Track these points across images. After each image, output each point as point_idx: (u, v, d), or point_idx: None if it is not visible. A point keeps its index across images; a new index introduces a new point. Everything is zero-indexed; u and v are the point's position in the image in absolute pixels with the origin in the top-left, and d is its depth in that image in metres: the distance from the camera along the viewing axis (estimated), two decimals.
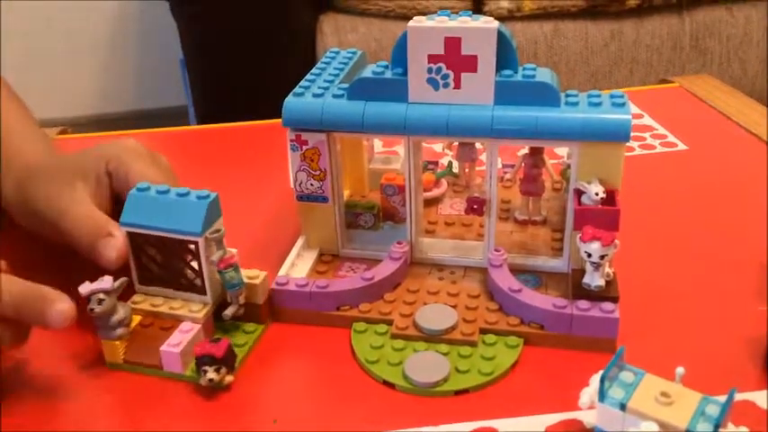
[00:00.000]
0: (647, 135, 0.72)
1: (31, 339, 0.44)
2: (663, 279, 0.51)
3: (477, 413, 0.41)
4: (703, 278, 0.51)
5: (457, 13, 0.46)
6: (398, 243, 0.51)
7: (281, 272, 0.49)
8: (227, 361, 0.42)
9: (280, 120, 0.79)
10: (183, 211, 0.45)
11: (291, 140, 0.49)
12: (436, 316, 0.46)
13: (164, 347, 0.44)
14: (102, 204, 0.49)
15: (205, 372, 0.42)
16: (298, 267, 0.51)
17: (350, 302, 0.48)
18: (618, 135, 0.44)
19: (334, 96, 0.48)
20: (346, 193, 0.57)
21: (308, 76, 0.51)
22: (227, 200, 0.63)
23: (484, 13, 1.29)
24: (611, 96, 0.46)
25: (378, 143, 0.69)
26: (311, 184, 0.50)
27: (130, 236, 0.46)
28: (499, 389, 0.43)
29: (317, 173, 0.50)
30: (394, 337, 0.46)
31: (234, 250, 0.46)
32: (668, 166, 0.67)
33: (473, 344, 0.45)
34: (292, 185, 0.66)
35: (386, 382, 0.43)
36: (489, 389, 0.43)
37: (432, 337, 0.45)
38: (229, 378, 0.43)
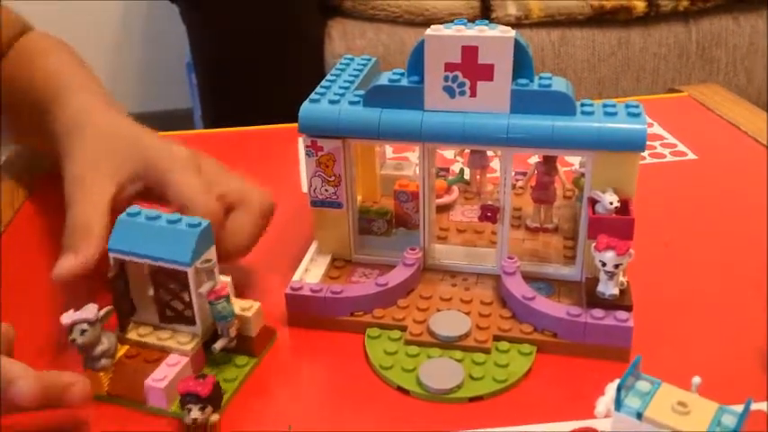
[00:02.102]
0: (656, 144, 0.73)
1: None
2: (675, 288, 0.52)
3: (491, 420, 0.41)
4: (715, 287, 0.52)
5: (473, 21, 0.46)
6: (411, 249, 0.51)
7: (296, 277, 0.50)
8: (212, 399, 0.40)
9: (288, 124, 0.80)
10: (173, 239, 0.42)
11: (307, 146, 0.49)
12: (450, 322, 0.47)
13: (148, 382, 0.42)
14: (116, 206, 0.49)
15: (189, 410, 0.39)
16: (311, 272, 0.52)
17: (364, 308, 0.48)
18: (633, 145, 0.44)
19: (351, 103, 0.48)
20: (358, 198, 0.57)
21: (324, 83, 0.52)
22: None
23: (492, 20, 1.29)
24: (627, 106, 0.46)
25: (388, 149, 0.69)
26: (325, 190, 0.51)
27: (118, 263, 0.44)
28: (513, 396, 0.43)
29: (332, 179, 0.50)
30: (408, 343, 0.46)
31: (228, 278, 0.45)
32: (679, 175, 0.67)
33: (487, 351, 0.45)
34: (304, 190, 0.67)
35: (400, 388, 0.43)
36: (503, 396, 0.43)
37: (446, 344, 0.46)
38: (215, 417, 0.40)
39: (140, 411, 0.42)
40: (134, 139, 0.53)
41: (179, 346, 0.44)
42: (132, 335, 0.45)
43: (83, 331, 0.41)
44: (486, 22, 0.46)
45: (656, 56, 1.35)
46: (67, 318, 0.41)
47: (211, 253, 0.44)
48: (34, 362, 0.40)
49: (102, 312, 0.42)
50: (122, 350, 0.44)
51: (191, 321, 0.44)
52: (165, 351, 0.44)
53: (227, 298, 0.43)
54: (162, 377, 0.42)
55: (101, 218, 0.47)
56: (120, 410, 0.43)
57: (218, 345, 0.43)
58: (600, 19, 1.32)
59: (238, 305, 0.45)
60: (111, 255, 0.44)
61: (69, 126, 0.54)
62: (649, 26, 1.34)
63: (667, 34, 1.34)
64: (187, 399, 0.39)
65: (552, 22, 1.31)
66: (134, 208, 0.44)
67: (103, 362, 0.42)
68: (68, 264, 0.45)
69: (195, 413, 0.39)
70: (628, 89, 1.36)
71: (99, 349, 0.42)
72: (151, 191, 0.51)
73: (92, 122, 0.54)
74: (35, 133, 0.60)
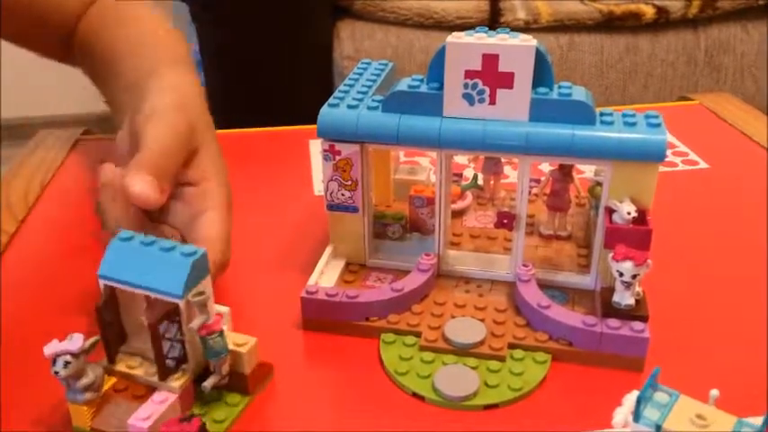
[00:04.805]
0: (668, 152, 0.72)
1: None
2: (690, 299, 0.52)
3: (507, 428, 0.41)
4: (731, 298, 0.52)
5: (489, 26, 0.46)
6: (426, 255, 0.51)
7: (311, 280, 0.50)
8: None
9: (297, 126, 0.80)
10: (165, 268, 0.39)
11: (325, 150, 0.49)
12: (465, 329, 0.47)
13: (131, 420, 0.39)
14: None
15: None
16: (326, 276, 0.52)
17: (378, 313, 0.48)
18: (652, 155, 0.44)
19: (369, 108, 0.49)
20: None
21: (342, 87, 0.52)
22: (247, 207, 0.64)
23: (501, 24, 1.29)
24: (646, 116, 0.46)
25: (400, 153, 0.69)
26: (342, 194, 0.51)
27: (108, 290, 0.41)
28: (529, 404, 0.43)
29: (349, 183, 0.50)
30: (423, 349, 0.46)
31: (225, 309, 0.43)
32: (691, 185, 0.67)
33: (502, 358, 0.45)
34: (316, 193, 0.67)
35: (415, 395, 0.43)
36: (519, 404, 0.43)
37: (460, 351, 0.46)
38: None
39: None
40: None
41: (167, 383, 0.41)
42: (121, 366, 0.42)
43: (66, 363, 0.38)
44: (508, 30, 0.46)
45: (663, 62, 1.35)
46: (50, 349, 0.39)
47: (205, 285, 0.41)
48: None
49: (88, 343, 0.39)
50: (110, 382, 0.42)
51: (181, 360, 0.42)
52: (153, 386, 0.41)
53: (221, 333, 0.41)
54: (146, 416, 0.39)
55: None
56: None
57: (209, 382, 0.41)
58: (608, 25, 1.32)
59: (232, 340, 0.42)
60: (102, 282, 0.41)
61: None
62: (658, 32, 1.34)
63: (676, 41, 1.34)
64: None
65: (561, 26, 1.31)
66: (126, 232, 0.41)
67: (87, 395, 0.40)
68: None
69: None
70: (635, 95, 1.36)
71: (83, 382, 0.39)
72: None
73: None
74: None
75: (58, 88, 2.12)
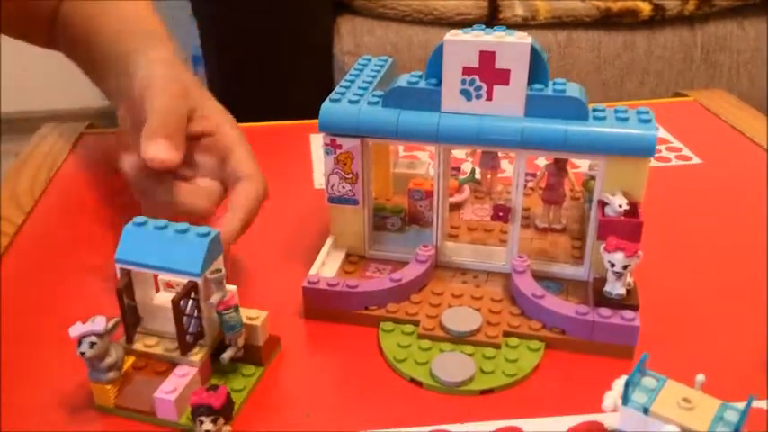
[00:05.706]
0: (662, 147, 0.74)
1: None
2: (679, 289, 0.53)
3: (501, 412, 0.43)
4: (718, 288, 0.53)
5: (483, 22, 0.48)
6: (424, 246, 0.52)
7: (312, 270, 0.51)
8: (225, 411, 0.39)
9: (297, 121, 0.81)
10: (182, 248, 0.42)
11: (326, 144, 0.51)
12: (461, 318, 0.48)
13: (157, 394, 0.41)
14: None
15: (201, 423, 0.38)
16: (327, 267, 0.53)
17: (378, 302, 0.50)
18: (643, 150, 0.46)
19: (370, 103, 0.50)
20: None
21: (343, 83, 0.53)
22: None
23: (499, 20, 1.31)
24: (638, 112, 0.47)
25: (400, 147, 0.70)
26: (343, 187, 0.52)
27: (125, 273, 0.43)
28: (522, 390, 0.44)
29: (349, 176, 0.52)
30: (421, 337, 0.48)
31: (233, 287, 0.44)
32: (683, 179, 0.69)
33: (497, 346, 0.47)
34: (317, 186, 0.68)
35: (413, 380, 0.45)
36: (513, 389, 0.44)
37: (457, 339, 0.47)
38: (227, 429, 0.39)
39: (149, 424, 0.42)
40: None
41: (187, 357, 0.43)
42: (139, 345, 0.44)
43: (92, 344, 0.40)
44: (504, 27, 0.47)
45: (660, 59, 1.36)
46: (76, 330, 0.40)
47: (220, 262, 0.43)
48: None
49: (111, 324, 0.41)
50: (129, 361, 0.44)
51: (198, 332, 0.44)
52: (172, 362, 0.44)
53: (236, 308, 0.43)
54: (171, 389, 0.41)
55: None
56: (127, 423, 0.42)
57: (227, 355, 0.43)
58: (606, 21, 1.33)
59: (245, 314, 0.45)
60: (118, 265, 0.43)
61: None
62: (655, 30, 1.35)
63: (672, 38, 1.36)
64: (199, 411, 0.39)
65: (559, 23, 1.32)
66: (140, 218, 0.44)
67: (111, 374, 0.42)
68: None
69: (208, 425, 0.39)
70: (632, 92, 1.37)
71: (107, 361, 0.41)
72: None
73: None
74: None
75: (57, 83, 2.13)
